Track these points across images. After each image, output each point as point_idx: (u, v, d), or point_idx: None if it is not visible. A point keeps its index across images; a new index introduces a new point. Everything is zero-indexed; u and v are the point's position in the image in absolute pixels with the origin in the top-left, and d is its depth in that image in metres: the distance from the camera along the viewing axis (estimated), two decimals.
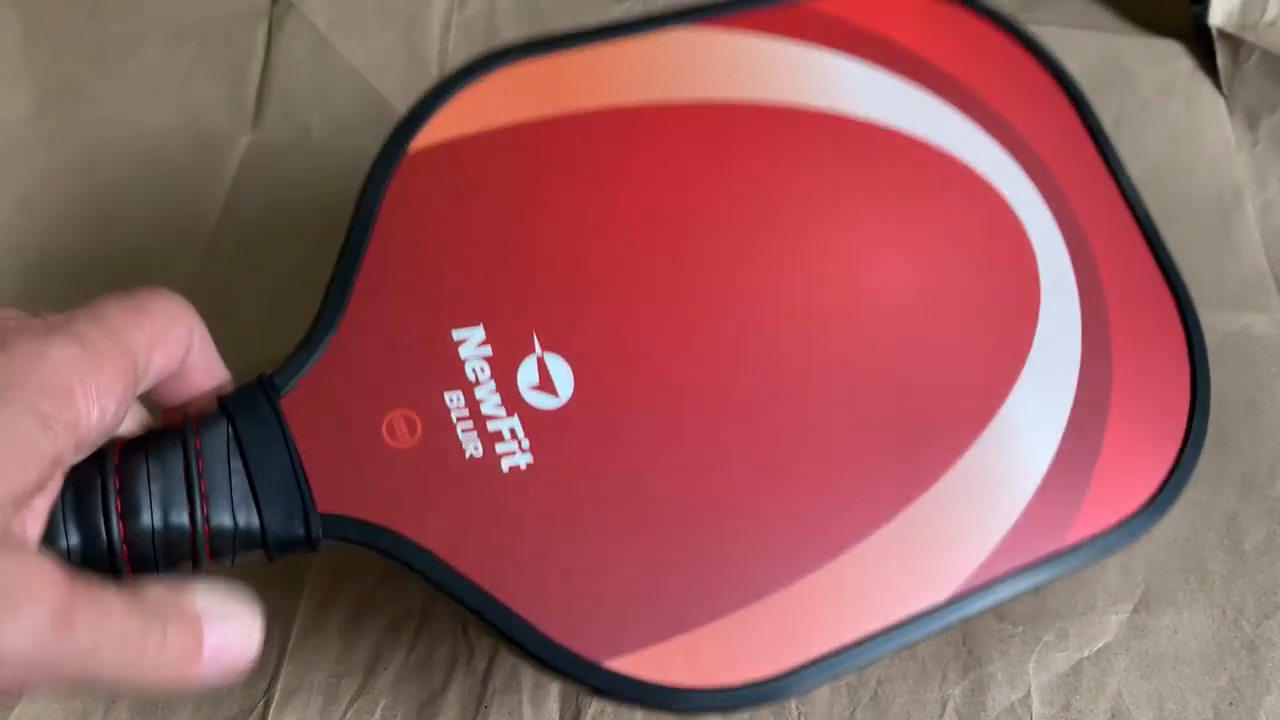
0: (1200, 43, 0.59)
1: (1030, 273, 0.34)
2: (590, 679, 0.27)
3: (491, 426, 0.29)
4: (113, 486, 0.26)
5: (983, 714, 0.37)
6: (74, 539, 0.25)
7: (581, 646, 0.27)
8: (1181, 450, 0.33)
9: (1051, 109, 0.38)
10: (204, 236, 0.51)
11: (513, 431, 0.29)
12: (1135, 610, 0.40)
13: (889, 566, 0.30)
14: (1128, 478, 0.32)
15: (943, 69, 0.37)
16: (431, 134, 0.33)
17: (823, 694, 0.37)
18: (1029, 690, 0.38)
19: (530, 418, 0.30)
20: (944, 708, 0.37)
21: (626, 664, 0.28)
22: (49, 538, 0.25)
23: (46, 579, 0.22)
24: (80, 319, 0.25)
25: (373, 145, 0.55)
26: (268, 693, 0.37)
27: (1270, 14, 0.57)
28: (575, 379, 0.30)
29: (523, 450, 0.29)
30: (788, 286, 0.33)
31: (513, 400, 0.30)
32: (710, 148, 0.35)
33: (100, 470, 0.26)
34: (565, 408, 0.30)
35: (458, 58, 0.57)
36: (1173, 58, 0.58)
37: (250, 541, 0.28)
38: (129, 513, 0.26)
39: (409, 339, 0.30)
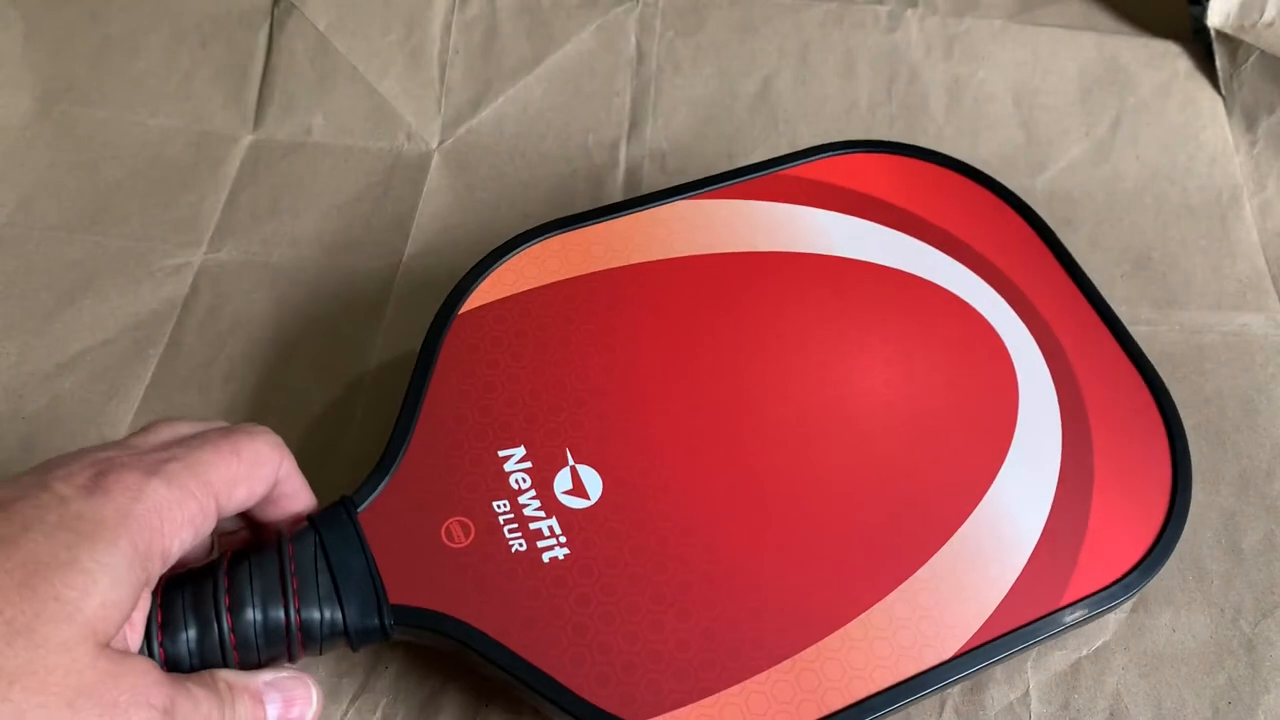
0: (1198, 44, 0.59)
1: (1008, 375, 0.39)
2: None
3: (533, 526, 0.35)
4: (223, 587, 0.32)
5: (982, 713, 0.37)
6: (192, 631, 0.31)
7: (619, 710, 0.32)
8: (1169, 512, 0.37)
9: (1014, 234, 0.44)
10: (205, 236, 0.51)
11: (551, 529, 0.35)
12: (1134, 610, 0.40)
13: (894, 630, 0.34)
14: (1118, 540, 0.36)
15: (910, 211, 0.44)
16: (477, 299, 0.40)
17: None
18: (1028, 689, 0.38)
19: (565, 517, 0.35)
20: (943, 706, 0.37)
21: None
22: (170, 631, 0.31)
23: (154, 681, 0.28)
24: (174, 461, 0.30)
25: (373, 146, 0.55)
26: None
27: (1268, 15, 0.57)
28: (604, 483, 0.36)
29: (560, 545, 0.34)
30: (790, 396, 0.38)
31: (550, 503, 0.35)
32: (717, 288, 0.41)
33: (213, 576, 0.32)
34: (595, 507, 0.35)
35: (458, 59, 0.58)
36: (1171, 59, 0.59)
37: (335, 631, 0.33)
38: (235, 608, 0.32)
39: (462, 460, 0.36)
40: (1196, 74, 0.58)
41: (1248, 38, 0.57)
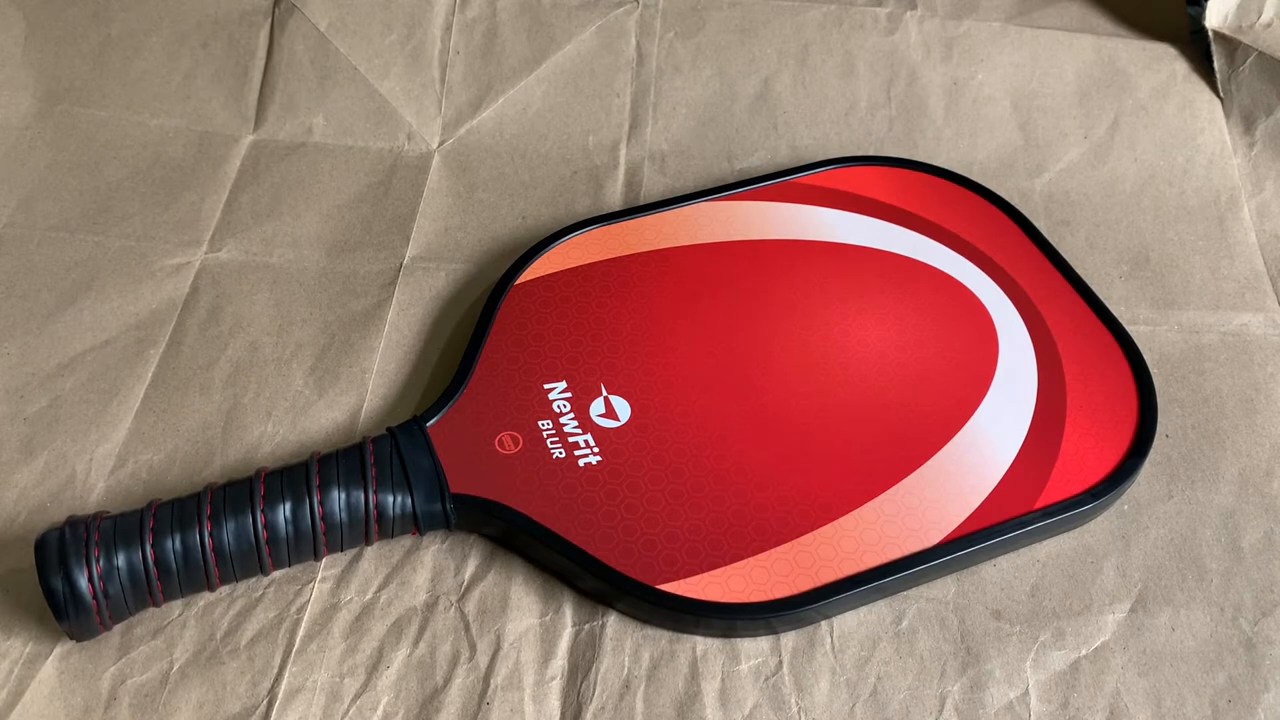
0: (1196, 46, 0.59)
1: (988, 331, 0.46)
2: (647, 596, 0.38)
3: (571, 439, 0.42)
4: (314, 472, 0.38)
5: (981, 711, 0.37)
6: (288, 504, 0.37)
7: (641, 576, 0.38)
8: (1134, 439, 0.42)
9: (994, 224, 0.51)
10: (205, 236, 0.51)
11: (586, 442, 0.42)
12: (1133, 609, 0.40)
13: (882, 523, 0.40)
14: (1087, 461, 0.42)
15: (902, 208, 0.51)
16: (529, 274, 0.48)
17: (822, 690, 0.38)
18: (1027, 688, 0.38)
19: (599, 433, 0.42)
20: (943, 704, 0.37)
21: (674, 586, 0.38)
22: (270, 502, 0.37)
23: None
24: None
25: (374, 146, 0.55)
26: (271, 693, 0.37)
27: (1266, 16, 0.57)
28: (632, 409, 0.43)
29: (594, 454, 0.41)
30: (794, 346, 0.45)
31: (586, 423, 0.42)
32: (732, 265, 0.49)
33: (306, 466, 0.39)
34: (624, 427, 0.42)
35: (459, 59, 0.58)
36: (1169, 61, 0.59)
37: (405, 513, 0.39)
38: (324, 493, 0.38)
39: (513, 390, 0.43)
40: (1194, 76, 0.58)
41: (1245, 39, 0.57)
